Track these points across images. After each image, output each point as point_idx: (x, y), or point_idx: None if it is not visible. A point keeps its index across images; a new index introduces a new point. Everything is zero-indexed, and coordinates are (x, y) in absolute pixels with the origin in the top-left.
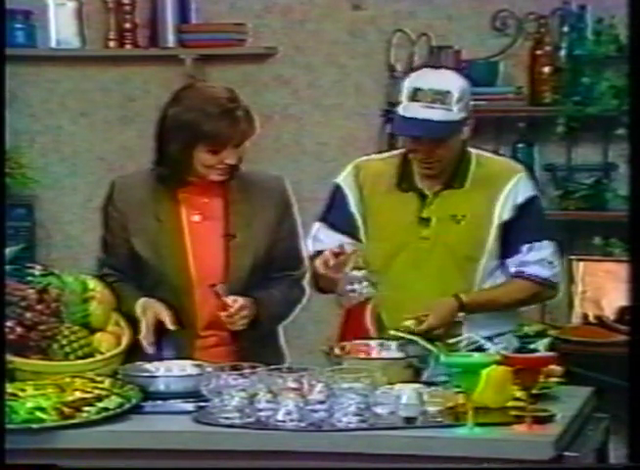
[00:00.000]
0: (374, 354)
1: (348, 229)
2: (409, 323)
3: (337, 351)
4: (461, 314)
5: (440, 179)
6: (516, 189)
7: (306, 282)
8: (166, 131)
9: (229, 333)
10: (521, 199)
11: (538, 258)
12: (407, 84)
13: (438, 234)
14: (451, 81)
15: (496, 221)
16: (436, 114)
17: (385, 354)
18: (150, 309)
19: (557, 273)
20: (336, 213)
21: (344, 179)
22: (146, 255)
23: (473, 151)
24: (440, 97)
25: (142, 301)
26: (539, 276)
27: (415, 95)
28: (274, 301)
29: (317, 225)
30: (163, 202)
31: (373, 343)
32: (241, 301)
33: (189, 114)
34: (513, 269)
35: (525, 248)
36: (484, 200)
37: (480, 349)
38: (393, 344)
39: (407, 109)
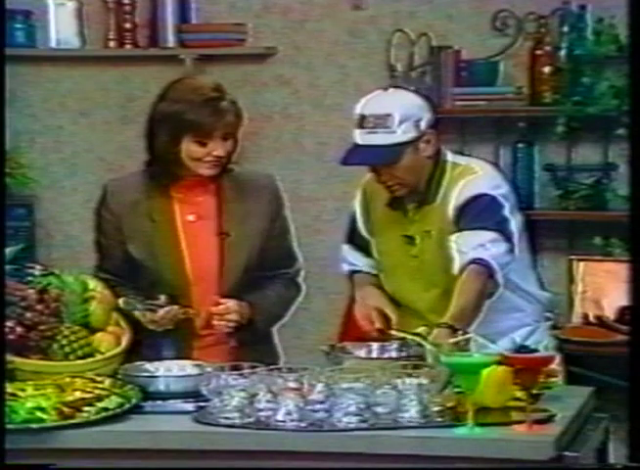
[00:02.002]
0: (374, 355)
1: (365, 248)
2: (421, 330)
3: (337, 350)
4: (459, 334)
5: (418, 196)
6: (458, 194)
7: (302, 279)
8: (154, 126)
9: (234, 336)
10: (460, 200)
11: (474, 243)
12: (356, 111)
13: (424, 252)
14: (393, 103)
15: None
16: (379, 138)
17: (385, 355)
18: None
19: (494, 256)
20: (354, 234)
21: (357, 202)
22: (141, 256)
23: (450, 159)
24: (381, 121)
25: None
26: (475, 258)
27: (361, 122)
28: (269, 302)
29: (345, 247)
30: (157, 202)
31: (373, 343)
32: (229, 304)
33: (174, 106)
34: (457, 262)
35: (457, 237)
36: (444, 210)
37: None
38: (394, 344)
39: (356, 136)
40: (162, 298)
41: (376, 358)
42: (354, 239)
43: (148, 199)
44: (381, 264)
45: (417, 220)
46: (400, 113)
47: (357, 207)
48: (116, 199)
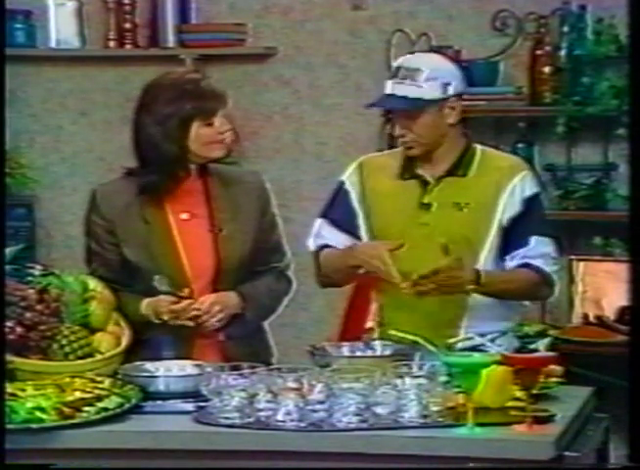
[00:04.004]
0: (358, 354)
1: (349, 227)
2: (452, 340)
3: (319, 351)
4: (471, 287)
5: (442, 166)
6: (522, 184)
7: (292, 273)
8: (152, 134)
9: (225, 329)
10: (528, 193)
11: (543, 251)
12: (393, 65)
13: (439, 220)
14: (426, 61)
15: (499, 214)
16: (404, 89)
17: (369, 353)
18: (160, 302)
19: (557, 271)
20: (338, 210)
21: (349, 176)
22: (137, 258)
23: (478, 145)
24: (410, 73)
25: (147, 301)
26: (543, 270)
27: (395, 73)
28: (258, 292)
29: (319, 222)
30: (149, 204)
31: (358, 342)
32: (211, 297)
33: (172, 104)
34: (518, 261)
35: (532, 240)
36: (490, 190)
37: (479, 349)
38: (378, 342)
39: (386, 86)
40: (186, 290)
41: (361, 356)
42: (333, 213)
43: (139, 201)
44: (377, 238)
45: (438, 190)
46: (429, 70)
47: (350, 181)
48: (107, 203)
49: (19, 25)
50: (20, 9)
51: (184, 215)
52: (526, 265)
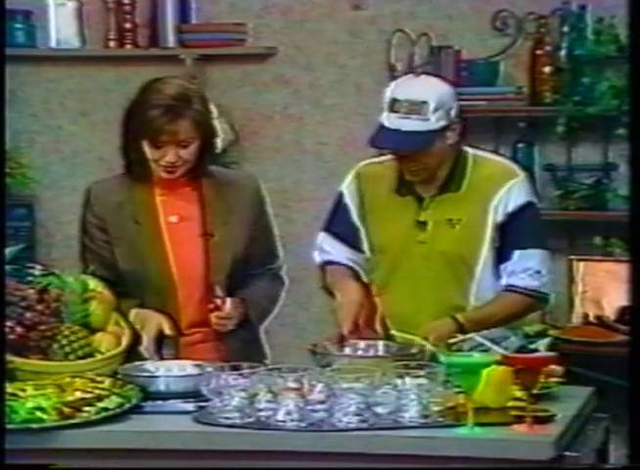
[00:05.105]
0: (359, 353)
1: (351, 240)
2: (452, 341)
3: (320, 350)
4: (459, 335)
5: (436, 183)
6: (508, 195)
7: (284, 273)
8: (125, 121)
9: (211, 330)
10: (512, 206)
11: (526, 266)
12: (387, 94)
13: (435, 238)
14: (429, 91)
15: (490, 228)
16: (412, 124)
17: (370, 353)
18: (149, 321)
19: (545, 283)
20: (339, 223)
21: (347, 187)
22: (126, 258)
23: (470, 151)
24: (416, 107)
25: (136, 312)
26: (528, 288)
27: (393, 105)
28: (258, 296)
29: (322, 235)
30: (141, 204)
31: (360, 342)
32: (230, 301)
33: (138, 104)
34: (504, 281)
35: (515, 255)
36: (480, 204)
37: (481, 349)
38: (380, 343)
39: (386, 119)
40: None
41: (361, 356)
42: (335, 227)
43: (131, 201)
44: (376, 254)
45: (432, 207)
46: (435, 101)
47: (348, 192)
48: (100, 201)
49: (19, 25)
50: (20, 9)
51: (173, 218)
52: (511, 287)
